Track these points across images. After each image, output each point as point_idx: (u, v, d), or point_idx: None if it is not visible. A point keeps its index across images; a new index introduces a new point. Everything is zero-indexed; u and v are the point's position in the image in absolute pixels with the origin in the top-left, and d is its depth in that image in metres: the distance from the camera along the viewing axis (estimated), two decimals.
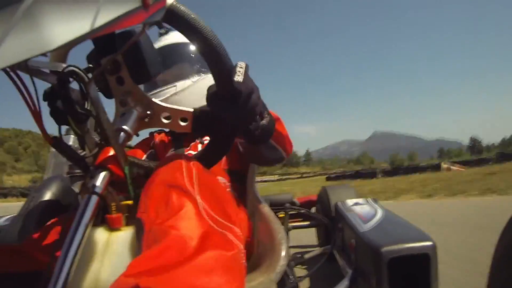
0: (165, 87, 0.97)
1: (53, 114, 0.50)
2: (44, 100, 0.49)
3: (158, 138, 1.02)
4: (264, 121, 0.58)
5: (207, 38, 0.47)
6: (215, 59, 0.48)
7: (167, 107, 0.56)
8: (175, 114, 0.57)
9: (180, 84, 0.97)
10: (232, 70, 0.50)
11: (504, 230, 0.61)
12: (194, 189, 0.44)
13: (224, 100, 0.51)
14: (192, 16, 0.46)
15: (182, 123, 0.57)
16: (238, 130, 0.56)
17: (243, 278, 0.40)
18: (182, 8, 0.45)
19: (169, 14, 0.44)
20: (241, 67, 0.51)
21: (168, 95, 0.96)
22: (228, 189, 0.85)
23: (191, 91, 0.98)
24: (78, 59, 0.55)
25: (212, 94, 0.51)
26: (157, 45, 1.04)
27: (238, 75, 0.50)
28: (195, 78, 0.99)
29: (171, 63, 1.02)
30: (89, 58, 0.53)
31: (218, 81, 0.51)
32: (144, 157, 0.95)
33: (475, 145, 67.29)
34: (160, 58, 1.01)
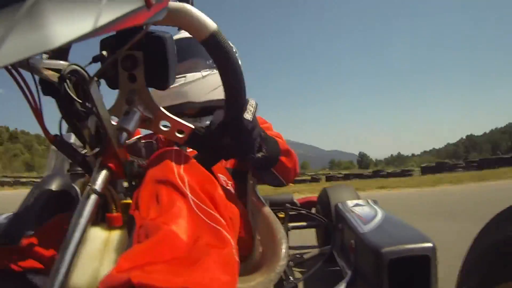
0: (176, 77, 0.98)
1: (62, 116, 0.50)
2: (45, 94, 0.49)
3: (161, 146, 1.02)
4: (259, 155, 0.63)
5: (236, 72, 0.50)
6: (234, 93, 0.51)
7: (170, 116, 0.56)
8: (174, 124, 0.57)
9: (190, 76, 0.97)
10: (243, 106, 0.54)
11: (478, 237, 0.61)
12: (185, 184, 0.44)
13: (229, 130, 0.54)
14: (229, 47, 0.48)
15: (179, 135, 0.57)
16: (233, 156, 0.61)
17: (236, 274, 0.40)
18: (223, 36, 0.47)
19: (211, 40, 0.47)
20: (252, 105, 0.55)
21: (176, 84, 0.96)
22: (228, 187, 0.85)
23: (199, 84, 0.98)
24: (80, 56, 0.55)
25: (219, 122, 0.55)
26: (175, 37, 1.04)
27: (248, 113, 0.54)
28: (206, 72, 1.00)
29: (186, 56, 1.02)
30: (104, 43, 0.50)
31: (229, 112, 0.53)
32: (137, 137, 0.93)
33: (362, 160, 71.01)
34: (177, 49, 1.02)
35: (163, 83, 0.52)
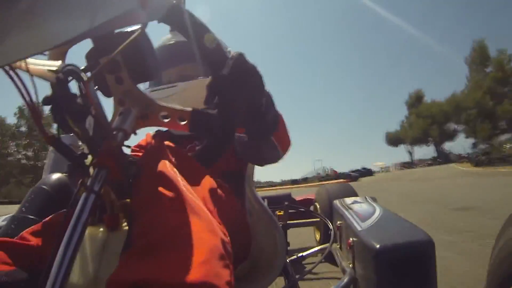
0: (166, 86, 0.96)
1: (57, 120, 0.50)
2: (44, 104, 0.49)
3: (155, 142, 1.01)
4: (269, 115, 0.57)
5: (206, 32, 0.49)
6: (206, 52, 0.51)
7: (165, 106, 0.56)
8: (173, 114, 0.57)
9: (182, 84, 0.95)
10: (224, 63, 0.51)
11: (503, 228, 0.62)
12: (178, 177, 0.45)
13: (213, 93, 0.53)
14: (190, 14, 0.48)
15: (181, 122, 0.57)
16: (236, 124, 0.57)
17: (231, 267, 0.41)
18: (183, 6, 0.47)
19: (172, 12, 0.46)
20: (231, 59, 0.51)
21: (169, 94, 0.94)
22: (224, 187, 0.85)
23: (191, 92, 0.96)
24: (78, 57, 0.55)
25: (208, 84, 0.53)
26: (166, 42, 1.02)
27: (226, 69, 0.51)
28: (199, 80, 0.97)
29: (178, 62, 1.00)
30: (88, 56, 0.53)
31: (212, 74, 0.53)
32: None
33: None
34: (165, 56, 1.00)
35: (145, 76, 0.53)
